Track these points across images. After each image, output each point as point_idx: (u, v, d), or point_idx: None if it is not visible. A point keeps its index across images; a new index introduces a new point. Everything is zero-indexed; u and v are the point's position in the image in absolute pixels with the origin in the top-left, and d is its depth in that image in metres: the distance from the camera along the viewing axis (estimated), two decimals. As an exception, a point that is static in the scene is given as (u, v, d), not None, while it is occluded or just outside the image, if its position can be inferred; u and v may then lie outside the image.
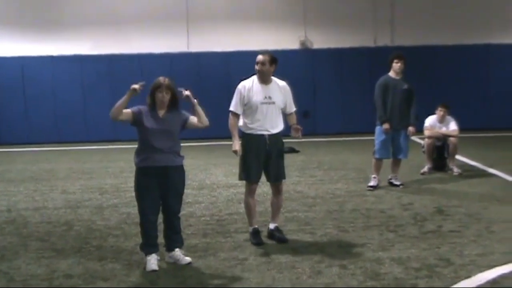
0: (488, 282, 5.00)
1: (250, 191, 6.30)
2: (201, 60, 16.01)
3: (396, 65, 8.88)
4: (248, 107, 6.15)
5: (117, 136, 14.74)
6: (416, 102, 9.00)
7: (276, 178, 6.33)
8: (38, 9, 16.04)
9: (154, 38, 16.02)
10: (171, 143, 5.51)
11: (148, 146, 5.46)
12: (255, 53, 6.25)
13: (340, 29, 16.60)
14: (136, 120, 5.50)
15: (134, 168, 5.62)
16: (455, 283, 4.97)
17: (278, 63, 6.21)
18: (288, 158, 6.50)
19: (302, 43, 16.57)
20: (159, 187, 5.49)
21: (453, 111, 10.50)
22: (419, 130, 9.77)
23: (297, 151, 12.75)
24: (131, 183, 6.53)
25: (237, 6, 16.48)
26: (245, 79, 6.30)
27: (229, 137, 6.26)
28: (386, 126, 8.80)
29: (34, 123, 15.83)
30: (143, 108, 5.55)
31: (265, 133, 6.15)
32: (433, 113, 10.41)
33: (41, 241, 6.50)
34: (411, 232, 6.53)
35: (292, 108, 6.40)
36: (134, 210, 6.87)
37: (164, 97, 5.45)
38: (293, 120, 6.39)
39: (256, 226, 6.34)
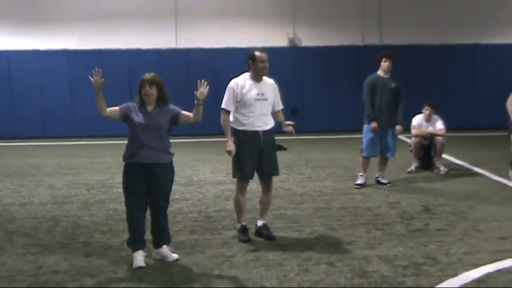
0: (474, 280, 5.03)
1: (242, 189, 6.27)
2: (189, 56, 15.95)
3: (385, 64, 8.90)
4: (242, 104, 6.12)
5: (104, 131, 14.64)
6: (404, 101, 9.03)
7: (270, 174, 6.33)
8: (25, 2, 15.90)
9: (142, 34, 15.95)
10: (159, 139, 5.48)
11: (136, 142, 5.45)
12: (244, 49, 6.27)
13: (329, 27, 16.64)
14: (125, 116, 5.50)
15: (121, 164, 5.60)
16: (442, 281, 4.99)
17: None
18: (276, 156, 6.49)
19: (291, 41, 16.57)
20: (146, 184, 5.46)
21: (439, 110, 10.55)
22: (407, 129, 9.81)
23: (285, 149, 12.75)
24: (118, 179, 6.51)
25: (226, 2, 16.45)
26: (235, 76, 6.28)
27: (217, 133, 6.25)
28: (374, 124, 8.82)
29: (20, 118, 15.69)
30: (132, 104, 5.54)
31: (259, 129, 6.14)
32: (420, 112, 10.46)
33: (27, 237, 6.45)
34: (398, 231, 6.56)
35: (280, 106, 6.41)
36: (121, 206, 6.84)
37: (147, 91, 5.43)
38: (282, 117, 6.41)
39: (244, 223, 6.33)
